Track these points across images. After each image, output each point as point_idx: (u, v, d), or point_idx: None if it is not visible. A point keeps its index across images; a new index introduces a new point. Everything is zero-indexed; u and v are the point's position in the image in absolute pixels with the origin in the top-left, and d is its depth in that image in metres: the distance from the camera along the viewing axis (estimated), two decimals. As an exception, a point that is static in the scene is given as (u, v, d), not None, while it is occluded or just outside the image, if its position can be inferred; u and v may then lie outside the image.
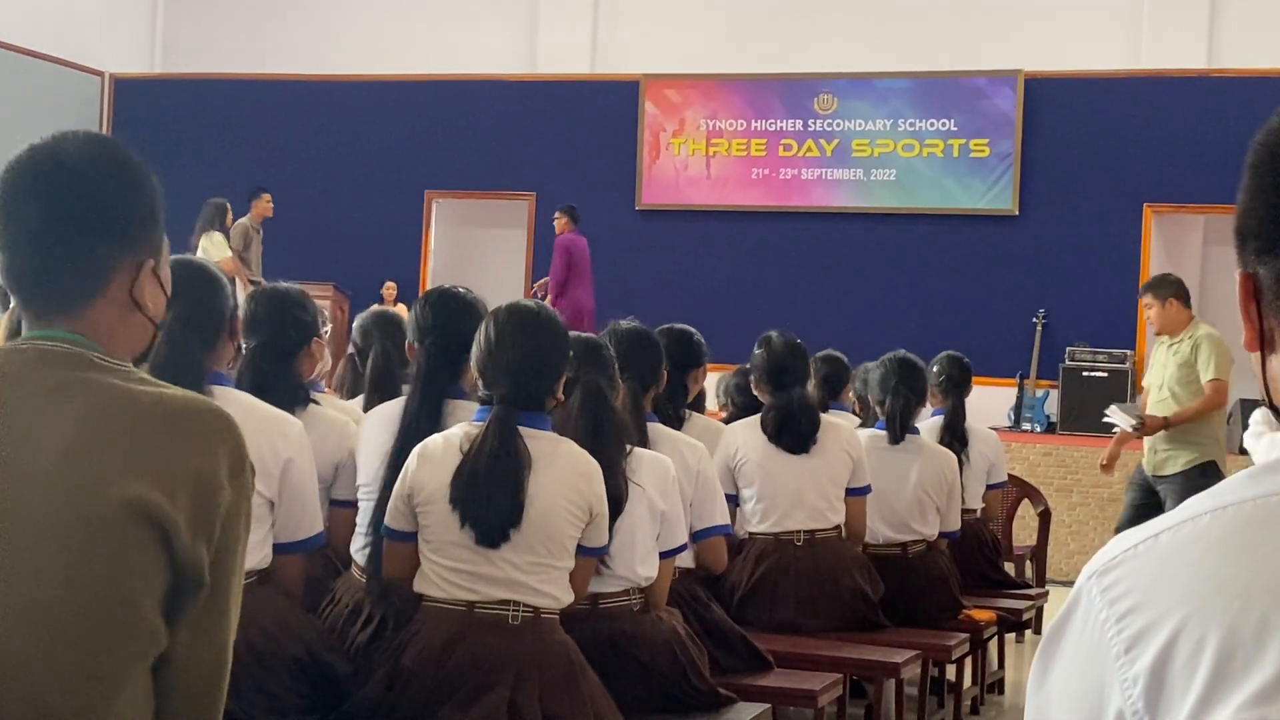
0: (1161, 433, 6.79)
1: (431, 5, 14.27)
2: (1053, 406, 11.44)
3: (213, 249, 11.16)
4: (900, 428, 5.19)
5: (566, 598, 3.12)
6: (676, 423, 4.38)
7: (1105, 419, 7.16)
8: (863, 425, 5.52)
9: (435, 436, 3.15)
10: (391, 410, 3.47)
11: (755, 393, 4.93)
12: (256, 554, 2.96)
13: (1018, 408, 11.59)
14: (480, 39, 14.01)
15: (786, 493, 4.70)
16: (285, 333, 3.51)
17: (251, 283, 10.92)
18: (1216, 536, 0.94)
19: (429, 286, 13.02)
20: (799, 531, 4.71)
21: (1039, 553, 7.38)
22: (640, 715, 3.35)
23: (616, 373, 3.58)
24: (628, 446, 3.46)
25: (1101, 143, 12.14)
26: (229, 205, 11.61)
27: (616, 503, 3.28)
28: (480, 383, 3.16)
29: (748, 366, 5.18)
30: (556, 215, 12.50)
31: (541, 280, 12.50)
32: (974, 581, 5.78)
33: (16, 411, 1.64)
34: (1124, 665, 0.92)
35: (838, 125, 12.86)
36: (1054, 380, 11.56)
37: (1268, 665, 0.87)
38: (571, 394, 3.39)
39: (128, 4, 14.95)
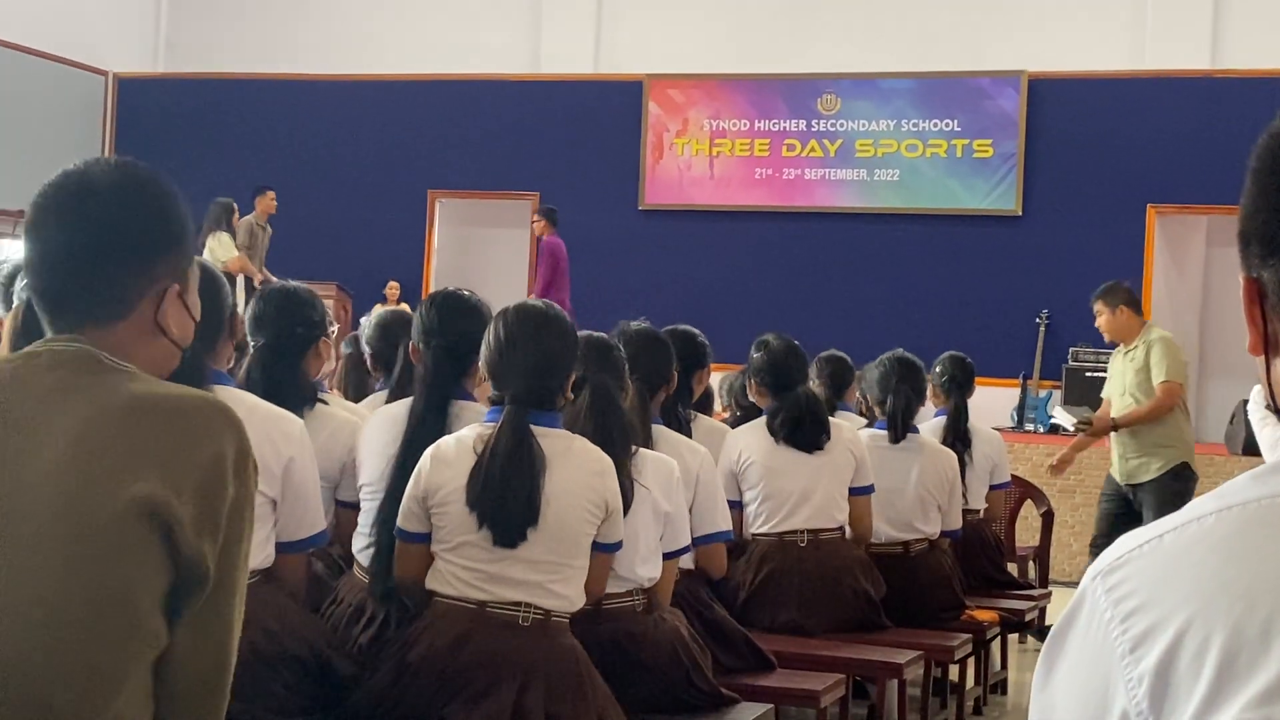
0: (1130, 441, 6.82)
1: (435, 5, 14.27)
2: (1055, 407, 11.43)
3: (219, 249, 11.17)
4: (901, 427, 5.19)
5: (578, 601, 3.12)
6: (683, 424, 4.38)
7: (1052, 419, 7.19)
8: (868, 425, 5.52)
9: (447, 438, 3.15)
10: (395, 411, 3.47)
11: (753, 398, 4.93)
12: (259, 553, 2.96)
13: (1020, 408, 11.59)
14: (484, 39, 14.02)
15: (792, 492, 4.70)
16: (294, 332, 3.51)
17: (262, 283, 10.93)
18: (1221, 537, 0.94)
19: (432, 286, 13.07)
20: (802, 532, 4.71)
21: (1042, 553, 7.38)
22: (643, 715, 3.35)
23: (626, 374, 3.58)
24: (633, 447, 3.46)
25: (1105, 143, 12.14)
26: (235, 205, 11.63)
27: (623, 503, 3.29)
28: (491, 384, 3.16)
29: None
30: (535, 218, 12.52)
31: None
32: (977, 582, 5.78)
33: (24, 412, 1.66)
34: (1129, 665, 0.92)
35: (841, 125, 12.87)
36: (1057, 381, 11.56)
37: (1272, 665, 0.87)
38: (580, 394, 3.39)
39: (131, 3, 14.96)
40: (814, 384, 5.43)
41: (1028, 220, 12.38)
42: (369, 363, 4.50)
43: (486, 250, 14.22)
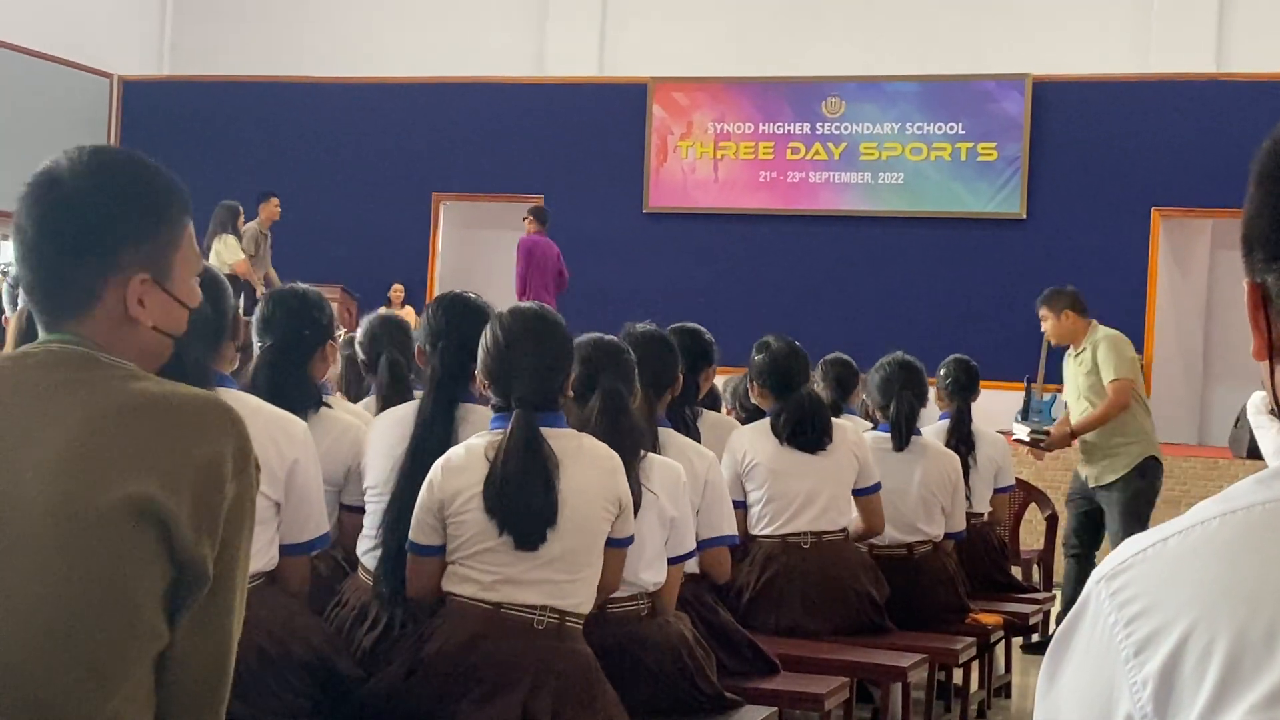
0: (1092, 443, 6.85)
1: (440, 8, 14.29)
2: (1060, 410, 11.41)
3: (225, 252, 11.18)
4: (905, 433, 5.19)
5: (588, 606, 3.13)
6: (690, 426, 4.39)
7: (1015, 437, 7.23)
8: (872, 428, 5.52)
9: (456, 448, 3.15)
10: (401, 414, 3.47)
11: (755, 399, 4.93)
12: (263, 556, 2.96)
13: (1025, 411, 11.57)
14: (488, 42, 14.03)
15: (796, 494, 4.70)
16: (301, 334, 3.51)
17: (266, 287, 10.94)
18: (1225, 541, 0.94)
19: (436, 289, 13.08)
20: (806, 534, 4.70)
21: (1046, 557, 7.37)
22: (647, 719, 3.35)
23: (636, 377, 3.58)
24: (642, 451, 3.46)
25: (1109, 146, 12.14)
26: (241, 208, 11.64)
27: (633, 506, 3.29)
28: (491, 388, 3.15)
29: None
30: (525, 217, 12.54)
31: None
32: (981, 585, 5.77)
33: (22, 413, 1.66)
34: (1133, 669, 0.92)
35: (845, 128, 12.87)
36: (1061, 384, 11.53)
37: (1277, 669, 0.87)
38: (591, 398, 3.39)
39: (136, 6, 14.98)
40: (819, 387, 5.43)
41: (1032, 223, 12.37)
42: (361, 368, 4.51)
43: (491, 252, 14.23)
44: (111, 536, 1.60)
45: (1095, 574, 0.98)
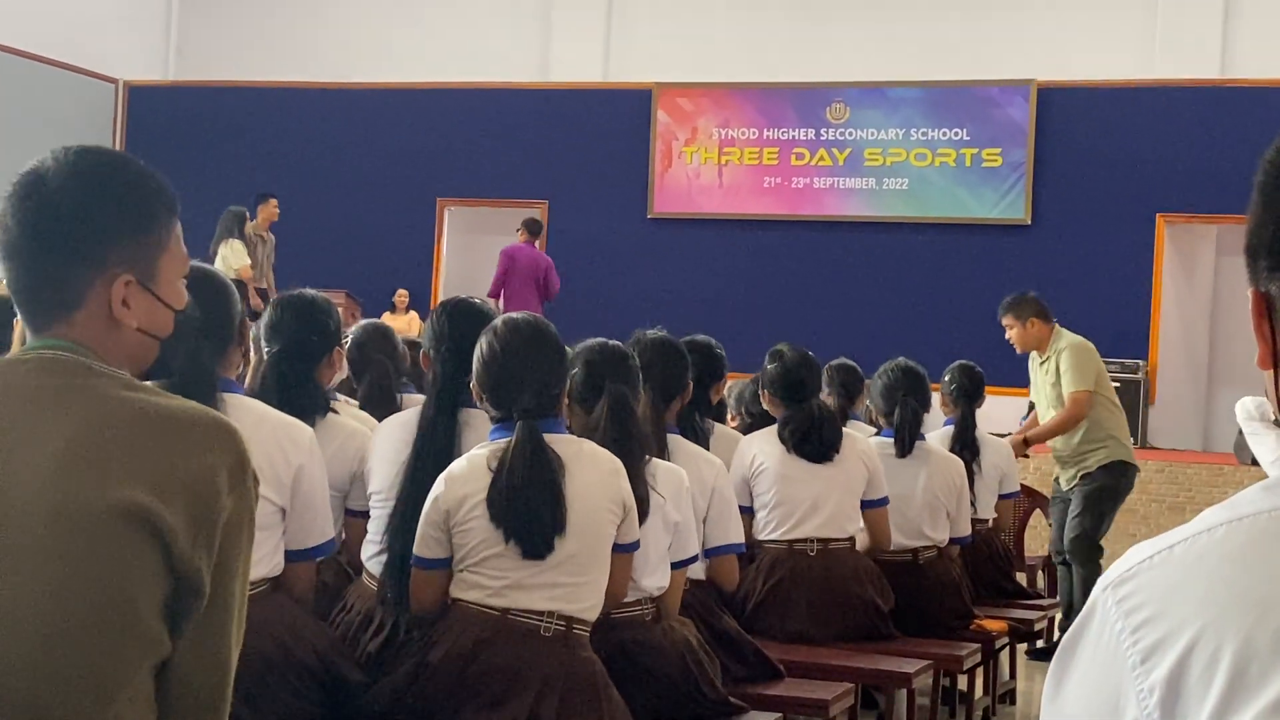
0: (1062, 448, 6.87)
1: (445, 13, 14.30)
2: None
3: (232, 256, 11.21)
4: (910, 439, 5.18)
5: (596, 611, 3.13)
6: (700, 434, 4.39)
7: None
8: (876, 433, 5.52)
9: (458, 460, 3.15)
10: (406, 419, 3.47)
11: (766, 407, 4.93)
12: (268, 562, 2.96)
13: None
14: (493, 47, 14.04)
15: (802, 501, 4.70)
16: (309, 340, 3.51)
17: (258, 290, 10.95)
18: (1231, 548, 0.94)
19: (441, 294, 13.08)
20: (812, 540, 4.70)
21: (1051, 563, 7.37)
22: (651, 724, 3.35)
23: (641, 383, 3.59)
24: (647, 456, 3.47)
25: (1114, 152, 12.14)
26: (248, 213, 11.67)
27: (642, 508, 3.29)
28: (487, 399, 3.15)
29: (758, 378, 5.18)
30: (518, 228, 12.62)
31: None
32: (986, 591, 5.77)
33: (15, 420, 1.65)
34: (1140, 676, 0.92)
35: (850, 134, 12.88)
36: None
37: (1283, 676, 0.87)
38: (598, 404, 3.40)
39: (142, 11, 15.01)
40: (824, 393, 5.43)
41: (1036, 229, 12.37)
42: (351, 378, 4.53)
43: (495, 258, 14.23)
44: (108, 542, 1.60)
45: (1101, 581, 0.99)
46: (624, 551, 3.20)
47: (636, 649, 3.44)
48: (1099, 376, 6.95)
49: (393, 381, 4.42)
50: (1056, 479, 7.02)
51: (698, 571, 3.92)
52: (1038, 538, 8.00)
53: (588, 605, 3.09)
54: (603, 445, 3.25)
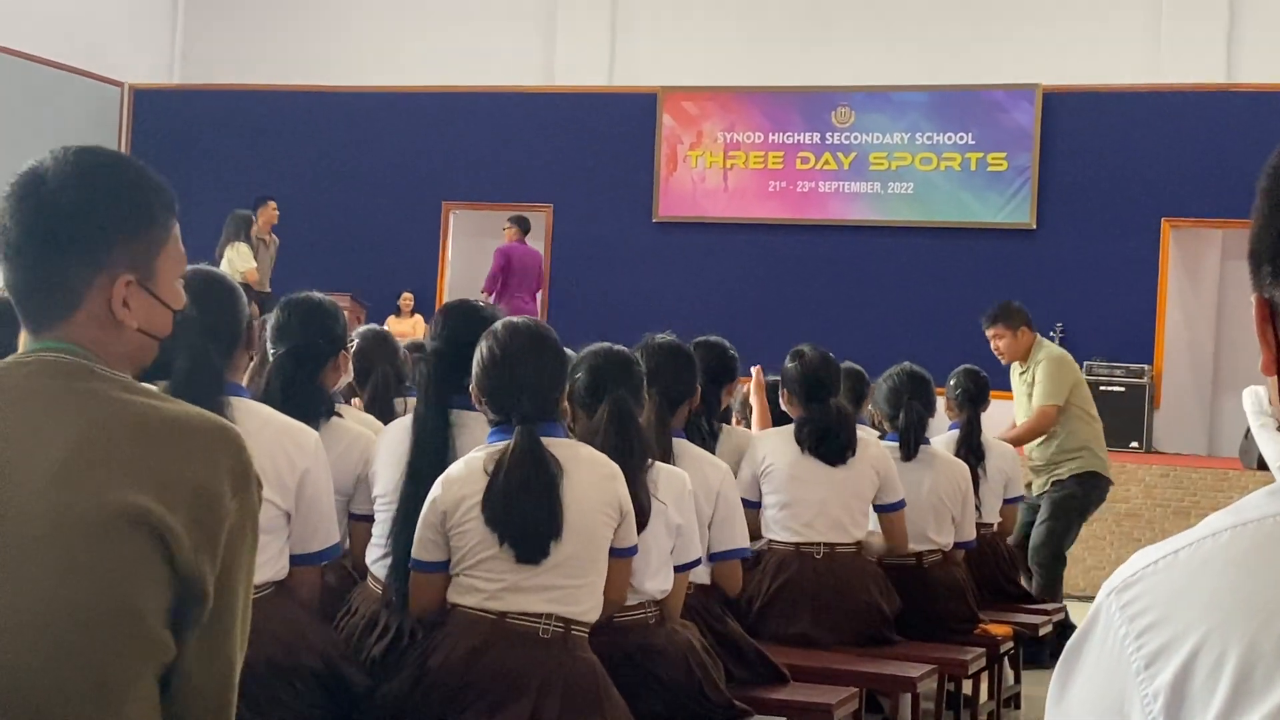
0: (1035, 456, 6.89)
1: (450, 17, 14.31)
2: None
3: (238, 259, 11.22)
4: (914, 443, 5.18)
5: (595, 614, 3.12)
6: (711, 437, 4.39)
7: None
8: (880, 438, 5.52)
9: (456, 463, 3.15)
10: (409, 422, 3.48)
11: (785, 407, 4.93)
12: (273, 566, 2.96)
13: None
14: (498, 50, 14.04)
15: (810, 502, 4.70)
16: (315, 343, 3.51)
17: (262, 294, 10.95)
18: (1236, 553, 0.94)
19: (446, 297, 13.08)
20: (819, 544, 4.71)
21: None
22: (656, 728, 3.35)
23: (645, 388, 3.58)
24: (650, 460, 3.47)
25: (1120, 157, 12.12)
26: (254, 216, 11.69)
27: (642, 515, 3.29)
28: (486, 403, 3.15)
29: (777, 380, 5.18)
30: (505, 225, 12.64)
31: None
32: (991, 596, 5.77)
33: (17, 422, 1.64)
34: (1144, 681, 0.92)
35: (855, 138, 12.87)
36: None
37: (1288, 681, 0.87)
38: (599, 409, 3.40)
39: (148, 15, 15.02)
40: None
41: (1042, 234, 12.36)
42: (354, 383, 4.53)
43: (500, 261, 14.24)
44: (112, 546, 1.59)
45: (1106, 586, 0.98)
46: (621, 556, 3.19)
47: (640, 652, 3.44)
48: (1075, 389, 6.95)
49: (392, 386, 4.44)
50: (1029, 484, 7.02)
51: (702, 576, 3.91)
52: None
53: (585, 608, 3.09)
54: (603, 450, 3.25)
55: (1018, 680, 6.07)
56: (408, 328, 12.62)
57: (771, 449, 4.77)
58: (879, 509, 4.83)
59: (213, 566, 1.64)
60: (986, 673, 5.43)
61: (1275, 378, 1.03)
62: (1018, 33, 12.72)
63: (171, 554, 1.61)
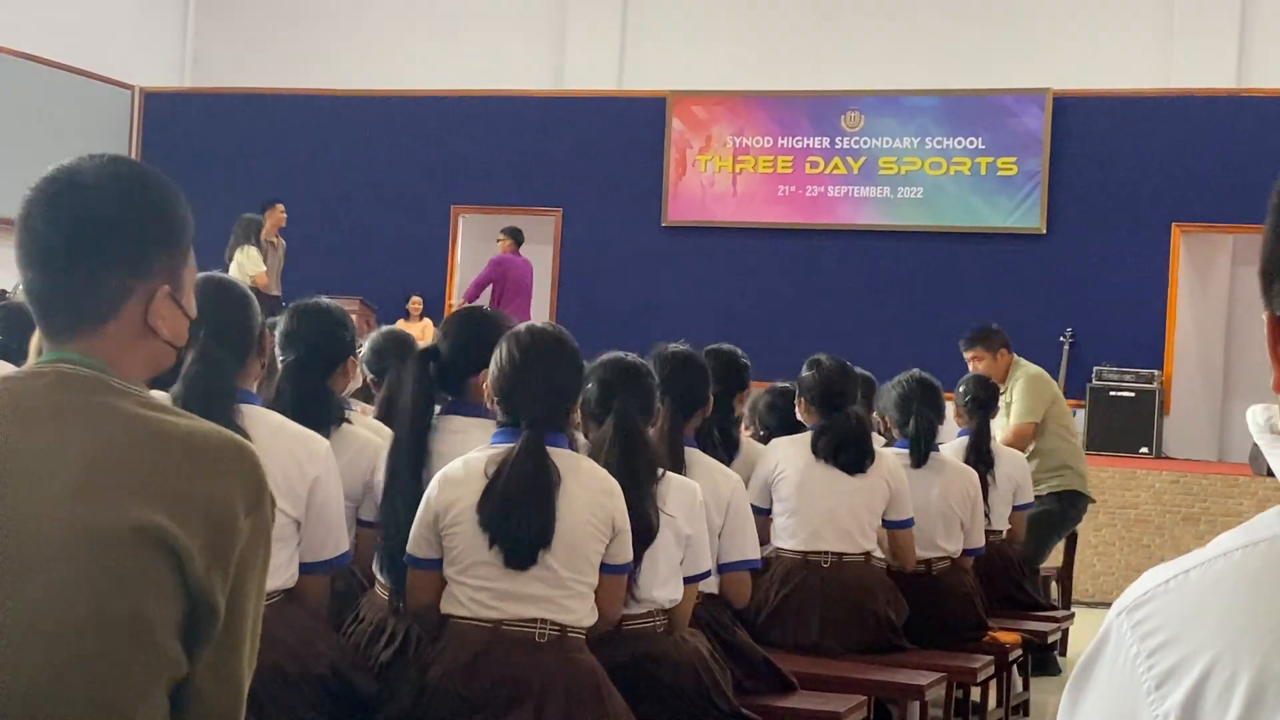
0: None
1: (459, 21, 14.32)
2: (1080, 427, 11.37)
3: (247, 263, 11.22)
4: (924, 451, 5.17)
5: (591, 618, 3.12)
6: (726, 447, 4.38)
7: None
8: (887, 444, 5.51)
9: (455, 461, 3.15)
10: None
11: (801, 415, 4.92)
12: (282, 573, 2.96)
13: (1044, 427, 11.52)
14: (508, 55, 14.06)
15: (820, 511, 4.69)
16: (324, 349, 3.52)
17: (270, 297, 10.96)
18: (1248, 573, 0.93)
19: (455, 301, 13.09)
20: (828, 553, 4.70)
21: (1065, 574, 7.35)
22: (664, 735, 3.35)
23: (656, 399, 3.57)
24: (660, 471, 3.46)
25: (1130, 161, 12.10)
26: (264, 220, 11.69)
27: (648, 531, 3.28)
28: (500, 404, 3.15)
29: (787, 386, 5.17)
30: (499, 237, 12.66)
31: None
32: (1000, 603, 5.75)
33: (33, 435, 1.63)
34: (1155, 701, 0.92)
35: (864, 143, 12.86)
36: (1081, 400, 11.51)
37: (1300, 703, 0.86)
38: (605, 421, 3.39)
39: (158, 18, 15.06)
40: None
41: (1052, 239, 12.34)
42: (369, 385, 4.53)
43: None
44: (125, 563, 1.59)
45: (1117, 605, 0.98)
46: (615, 573, 3.18)
47: (648, 661, 3.44)
48: (1052, 406, 6.98)
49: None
50: None
51: (710, 585, 3.91)
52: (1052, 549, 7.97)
53: (579, 616, 3.09)
54: (607, 464, 3.24)
55: (1026, 688, 6.05)
56: (416, 332, 12.60)
57: (785, 456, 4.76)
58: (887, 524, 4.81)
59: (224, 584, 1.64)
60: (995, 680, 5.41)
61: (1287, 396, 1.02)
62: (1028, 37, 12.71)
63: (184, 571, 1.61)
